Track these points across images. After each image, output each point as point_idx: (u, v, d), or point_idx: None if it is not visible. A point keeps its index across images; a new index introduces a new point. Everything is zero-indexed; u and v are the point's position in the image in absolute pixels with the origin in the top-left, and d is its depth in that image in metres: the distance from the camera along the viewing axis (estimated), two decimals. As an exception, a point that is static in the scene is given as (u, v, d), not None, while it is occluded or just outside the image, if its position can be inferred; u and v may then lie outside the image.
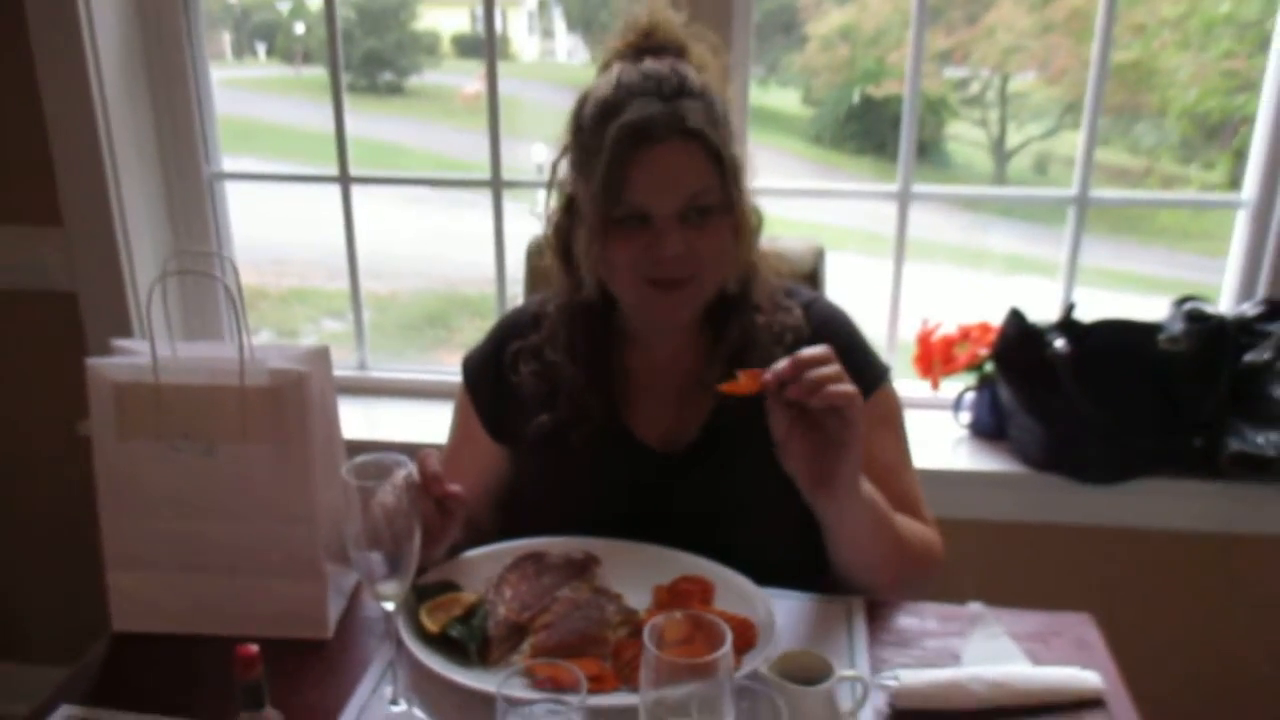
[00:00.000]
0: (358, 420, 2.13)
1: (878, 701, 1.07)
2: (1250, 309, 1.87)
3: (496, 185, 2.11)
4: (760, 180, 1.32)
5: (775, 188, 2.03)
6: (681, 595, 1.17)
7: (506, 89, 2.06)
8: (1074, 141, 1.99)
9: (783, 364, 1.09)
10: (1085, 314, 1.86)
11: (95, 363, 1.15)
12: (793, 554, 1.27)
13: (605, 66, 1.27)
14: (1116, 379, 1.78)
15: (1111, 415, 1.78)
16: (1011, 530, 1.97)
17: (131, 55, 2.04)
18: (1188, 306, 1.86)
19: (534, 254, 1.65)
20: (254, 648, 0.90)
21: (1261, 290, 1.94)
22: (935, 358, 2.00)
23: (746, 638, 1.09)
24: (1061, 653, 1.15)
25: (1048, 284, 2.12)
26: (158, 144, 2.12)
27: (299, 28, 4.52)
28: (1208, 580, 1.97)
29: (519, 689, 0.93)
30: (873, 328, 1.39)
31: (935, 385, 2.02)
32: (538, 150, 2.98)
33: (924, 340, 2.01)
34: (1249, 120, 1.99)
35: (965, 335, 1.98)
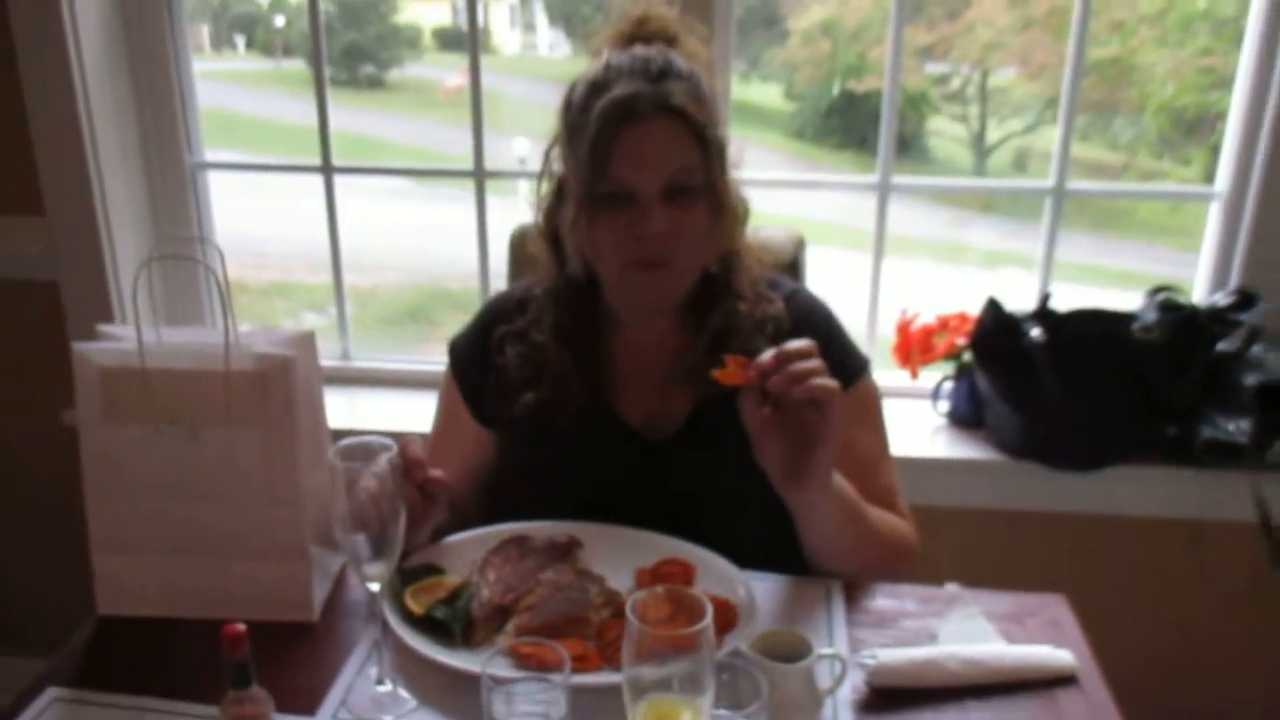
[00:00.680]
0: (341, 409, 2.13)
1: (856, 679, 1.09)
2: (1222, 299, 1.91)
3: (479, 176, 2.12)
4: (741, 172, 1.34)
5: (756, 178, 2.05)
6: (664, 578, 1.18)
7: (488, 83, 2.07)
8: (1052, 137, 2.02)
9: (766, 356, 1.10)
10: (1063, 306, 1.89)
11: (81, 347, 1.16)
12: (774, 538, 1.28)
13: (597, 53, 1.28)
14: (1092, 367, 1.81)
15: (1087, 403, 1.81)
16: (988, 517, 2.00)
17: (113, 45, 2.04)
18: (1161, 296, 1.89)
19: (517, 243, 1.66)
20: (241, 626, 0.91)
21: (1234, 280, 1.98)
22: (914, 347, 2.02)
23: (728, 618, 1.11)
24: (1035, 632, 1.18)
25: (1027, 278, 2.14)
26: (140, 134, 2.11)
27: (279, 20, 4.50)
28: (1179, 565, 2.00)
29: (503, 668, 0.95)
30: (852, 320, 1.41)
31: (914, 374, 2.05)
32: (519, 144, 2.99)
33: (903, 330, 2.04)
34: (1225, 116, 2.02)
35: (944, 325, 2.01)
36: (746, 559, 1.22)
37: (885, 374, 2.01)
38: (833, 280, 1.73)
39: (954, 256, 4.58)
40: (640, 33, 1.28)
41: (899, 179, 2.05)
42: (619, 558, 1.22)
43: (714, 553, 1.22)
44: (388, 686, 1.06)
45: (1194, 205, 2.26)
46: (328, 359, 2.26)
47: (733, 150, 1.30)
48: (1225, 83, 2.04)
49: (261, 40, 4.64)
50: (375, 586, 1.05)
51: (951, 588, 1.24)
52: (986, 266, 4.47)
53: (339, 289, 2.24)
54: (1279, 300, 1.88)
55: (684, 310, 1.33)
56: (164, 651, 1.16)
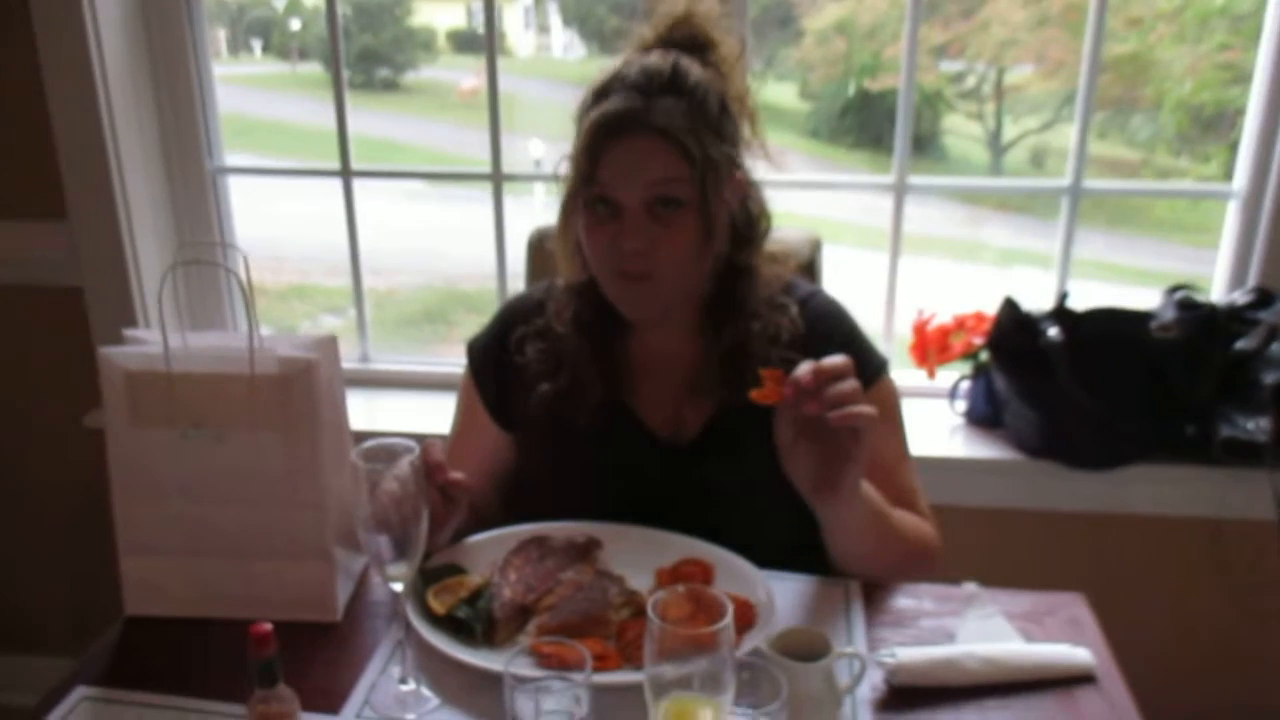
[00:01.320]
0: (361, 411, 2.15)
1: (875, 678, 1.09)
2: (1241, 297, 1.90)
3: (497, 179, 2.13)
4: (765, 171, 1.34)
5: (772, 179, 2.05)
6: (683, 577, 1.19)
7: (503, 85, 2.08)
8: (1069, 134, 2.02)
9: (804, 372, 1.09)
10: (1081, 304, 1.89)
11: (107, 352, 1.17)
12: (792, 539, 1.28)
13: (629, 50, 1.29)
14: (1109, 366, 1.81)
15: (1104, 402, 1.81)
16: (1006, 516, 1.99)
17: (135, 51, 2.06)
18: (1179, 295, 1.88)
19: (535, 245, 1.67)
20: (268, 625, 0.92)
21: (1252, 279, 1.97)
22: (931, 347, 2.02)
23: (746, 618, 1.12)
24: (1054, 631, 1.18)
25: (1043, 276, 2.14)
26: (161, 139, 2.14)
27: (294, 24, 4.52)
28: (1198, 564, 1.99)
29: (526, 667, 0.96)
30: (869, 320, 1.41)
31: (931, 374, 2.05)
32: (534, 146, 2.99)
33: (920, 329, 2.04)
34: (1244, 113, 2.01)
35: (960, 324, 2.01)
36: (765, 559, 1.22)
37: (902, 374, 2.02)
38: (849, 280, 1.73)
39: (969, 255, 4.56)
40: (676, 35, 1.28)
41: (915, 179, 2.05)
42: (638, 558, 1.23)
43: (733, 553, 1.23)
44: (411, 685, 1.08)
45: (1211, 203, 2.25)
46: (347, 361, 2.28)
47: (763, 164, 1.31)
48: (1244, 79, 2.03)
49: (277, 44, 4.67)
50: (398, 586, 1.06)
51: (969, 587, 1.24)
52: (1002, 265, 4.46)
53: (358, 292, 2.26)
54: (1298, 298, 1.88)
55: (699, 320, 1.34)
56: (191, 651, 1.17)
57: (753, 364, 1.27)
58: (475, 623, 1.13)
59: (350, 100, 2.13)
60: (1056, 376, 1.81)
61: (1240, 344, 1.82)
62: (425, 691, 1.07)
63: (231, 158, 2.23)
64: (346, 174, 2.16)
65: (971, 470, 1.95)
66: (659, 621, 0.85)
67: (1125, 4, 2.30)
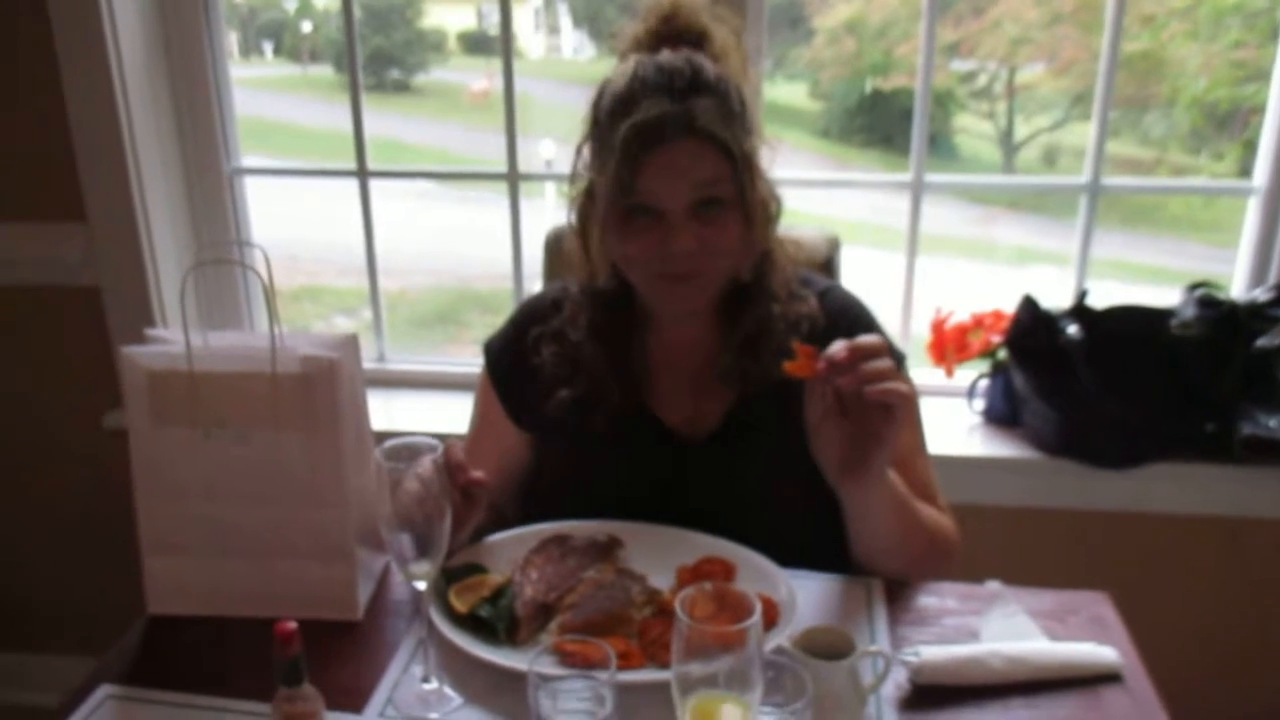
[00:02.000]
0: (378, 411, 2.13)
1: (899, 676, 1.09)
2: (1262, 295, 1.89)
3: (513, 178, 2.13)
4: (775, 171, 1.33)
5: (790, 178, 2.05)
6: (704, 576, 1.19)
7: (514, 86, 2.08)
8: (1082, 133, 2.01)
9: (839, 349, 1.09)
10: (1097, 302, 1.88)
11: (129, 351, 1.17)
12: (813, 537, 1.28)
13: (624, 55, 1.28)
14: (1129, 364, 1.80)
15: (1124, 400, 1.80)
16: (1026, 515, 1.99)
17: (152, 52, 2.07)
18: (1199, 292, 1.87)
19: (553, 244, 1.67)
20: (293, 624, 0.92)
21: (1273, 276, 1.96)
22: (949, 345, 2.01)
23: (769, 616, 1.11)
24: (1078, 630, 1.17)
25: (1056, 276, 2.13)
26: (178, 140, 2.14)
27: (306, 26, 4.54)
28: (1220, 563, 1.98)
29: (549, 666, 0.96)
30: (886, 319, 1.41)
31: (949, 373, 2.04)
32: (546, 146, 3.00)
33: (938, 328, 2.03)
34: (1258, 110, 2.00)
35: (979, 323, 2.00)
36: (786, 557, 1.22)
37: (920, 372, 2.01)
38: (864, 279, 1.72)
39: (982, 254, 4.55)
40: (668, 30, 1.27)
41: (933, 177, 2.04)
42: (659, 556, 1.22)
43: (754, 551, 1.22)
44: (433, 684, 1.08)
45: (1227, 200, 2.24)
46: (364, 361, 2.28)
47: (766, 149, 1.29)
48: (1259, 76, 2.02)
49: (289, 46, 4.69)
50: (421, 585, 1.06)
51: (993, 585, 1.24)
52: (1015, 264, 4.44)
53: (374, 292, 2.26)
54: (1319, 296, 1.87)
55: (718, 311, 1.34)
56: (214, 649, 1.18)
57: (773, 348, 1.27)
58: (497, 621, 1.12)
59: (363, 101, 2.13)
60: (1076, 374, 1.80)
61: (1261, 341, 1.81)
62: (448, 691, 1.07)
63: (247, 159, 2.24)
64: (363, 174, 2.17)
65: (990, 469, 1.94)
66: (687, 619, 0.85)
67: (1138, 2, 2.29)
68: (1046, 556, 1.96)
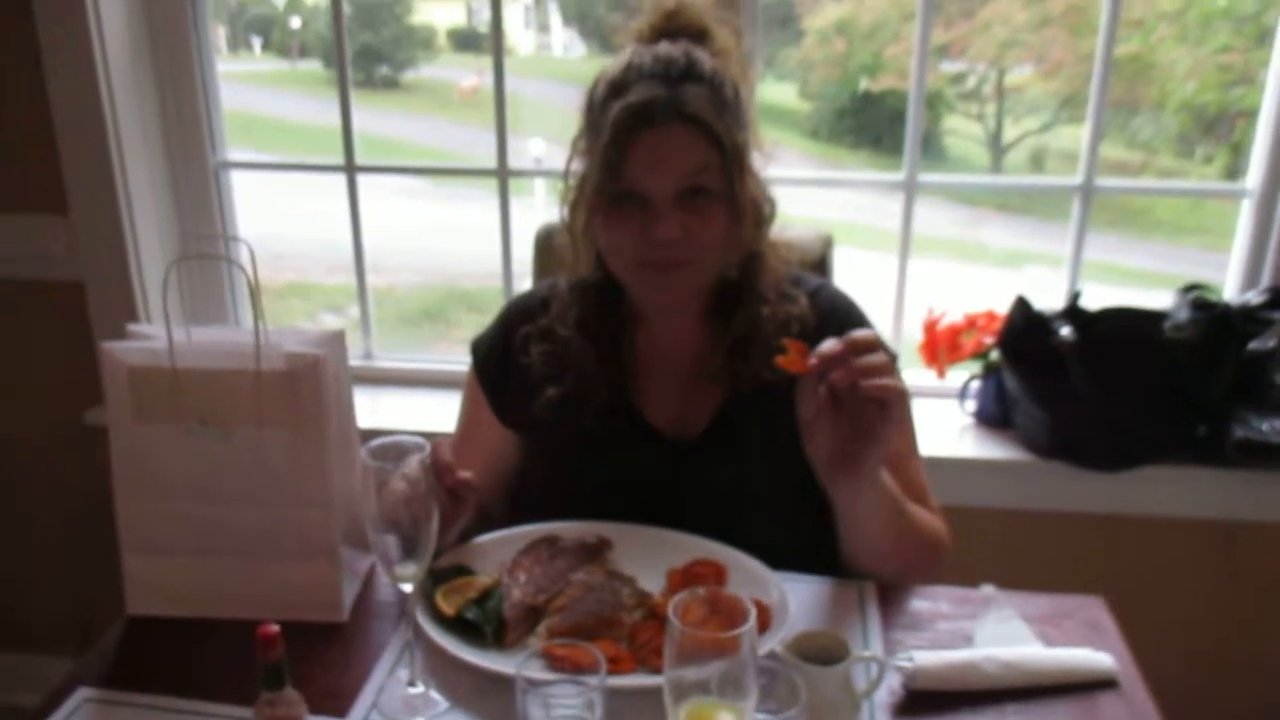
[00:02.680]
0: (365, 408, 2.11)
1: (892, 682, 1.07)
2: (1255, 297, 1.89)
3: (503, 175, 2.11)
4: (768, 171, 1.32)
5: (782, 177, 2.04)
6: (695, 579, 1.17)
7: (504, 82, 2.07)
8: (1070, 135, 2.01)
9: (832, 345, 1.08)
10: (1088, 305, 1.87)
11: (110, 347, 1.15)
12: (802, 541, 1.27)
13: (623, 48, 1.27)
14: (1122, 367, 1.79)
15: (1117, 403, 1.79)
16: (1018, 518, 1.98)
17: (137, 44, 2.04)
18: (1193, 295, 1.87)
19: (542, 242, 1.65)
20: (275, 627, 0.90)
21: (1266, 279, 1.95)
22: (941, 346, 2.00)
23: (761, 620, 1.10)
24: (1073, 635, 1.16)
25: (1046, 277, 2.12)
26: (163, 132, 2.12)
27: (294, 22, 4.52)
28: (1212, 566, 1.98)
29: (538, 670, 0.94)
30: (878, 320, 1.40)
31: (941, 374, 2.03)
32: (535, 144, 2.98)
33: (930, 329, 2.02)
34: (1246, 114, 2.00)
35: (971, 324, 1.99)
36: (776, 559, 1.20)
37: (911, 373, 2.00)
38: (855, 279, 1.71)
39: (970, 256, 4.56)
40: (670, 26, 1.27)
41: (926, 177, 2.03)
42: (650, 558, 1.21)
43: (745, 553, 1.21)
44: (419, 688, 1.06)
45: (1215, 204, 2.24)
46: (350, 358, 2.25)
47: (760, 153, 1.29)
48: (1246, 80, 2.02)
49: (277, 41, 4.66)
50: (407, 587, 1.04)
51: (987, 589, 1.23)
52: (1004, 266, 4.45)
53: (362, 288, 2.24)
54: (1312, 299, 1.86)
55: (707, 310, 1.32)
56: (195, 652, 1.15)
57: (762, 350, 1.26)
58: (485, 624, 1.11)
59: (351, 98, 2.11)
60: (1069, 376, 1.79)
61: (1254, 344, 1.80)
62: (434, 694, 1.05)
63: (234, 154, 2.21)
64: (351, 169, 2.14)
65: (981, 471, 1.93)
66: (679, 625, 0.83)
67: (1128, 5, 2.30)
68: (1038, 559, 1.95)
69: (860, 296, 1.40)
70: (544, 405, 1.32)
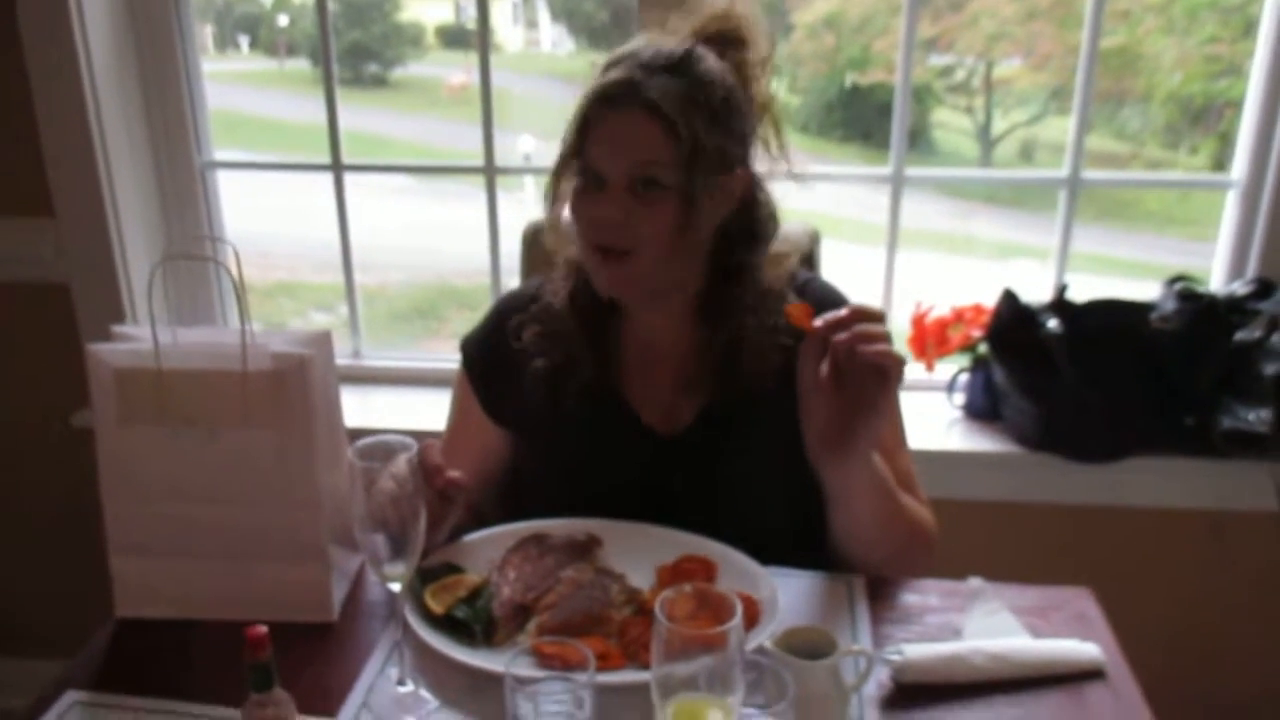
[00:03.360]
0: (354, 408, 2.11)
1: (881, 675, 1.08)
2: (1241, 288, 1.89)
3: (490, 172, 2.11)
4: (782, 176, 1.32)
5: (767, 173, 2.04)
6: (684, 574, 1.18)
7: (492, 80, 2.06)
8: (1059, 127, 2.01)
9: (838, 311, 1.09)
10: (1076, 297, 1.88)
11: (96, 348, 1.15)
12: (792, 534, 1.28)
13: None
14: (1110, 358, 1.80)
15: (1105, 394, 1.80)
16: (1007, 510, 1.98)
17: (122, 44, 2.03)
18: (1179, 286, 1.88)
19: (530, 239, 1.65)
20: (263, 629, 0.90)
21: (1252, 269, 1.96)
22: (929, 339, 2.01)
23: (750, 615, 1.10)
24: (1061, 626, 1.17)
25: (1034, 269, 2.13)
26: (149, 133, 2.11)
27: (282, 20, 4.50)
28: (1199, 556, 1.99)
29: (527, 668, 0.94)
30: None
31: (929, 367, 2.03)
32: (524, 141, 2.98)
33: (918, 322, 2.02)
34: (1233, 104, 2.00)
35: (959, 317, 1.99)
36: (765, 554, 1.20)
37: (900, 367, 2.00)
38: (843, 273, 1.71)
39: (959, 248, 4.56)
40: (708, 29, 1.27)
41: (913, 171, 2.04)
42: (639, 555, 1.21)
43: (734, 549, 1.21)
44: (409, 687, 1.06)
45: (1203, 195, 2.24)
46: (339, 358, 2.24)
47: (791, 165, 1.30)
48: (1233, 71, 2.03)
49: (265, 40, 4.64)
50: (396, 587, 1.04)
51: (975, 582, 1.23)
52: (993, 258, 4.46)
53: (350, 287, 2.23)
54: (1298, 289, 1.87)
55: (693, 313, 1.32)
56: (184, 653, 1.15)
57: (749, 359, 1.26)
58: (474, 622, 1.11)
59: (339, 96, 2.11)
60: (1056, 368, 1.80)
61: (1241, 335, 1.81)
62: (424, 693, 1.05)
63: (220, 154, 2.21)
64: (338, 168, 2.14)
65: (970, 464, 1.94)
66: (666, 622, 0.84)
67: (1114, -3, 2.31)
68: (1027, 551, 1.96)
69: (849, 290, 1.40)
70: (533, 381, 1.32)
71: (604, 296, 1.30)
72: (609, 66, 1.22)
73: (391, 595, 1.05)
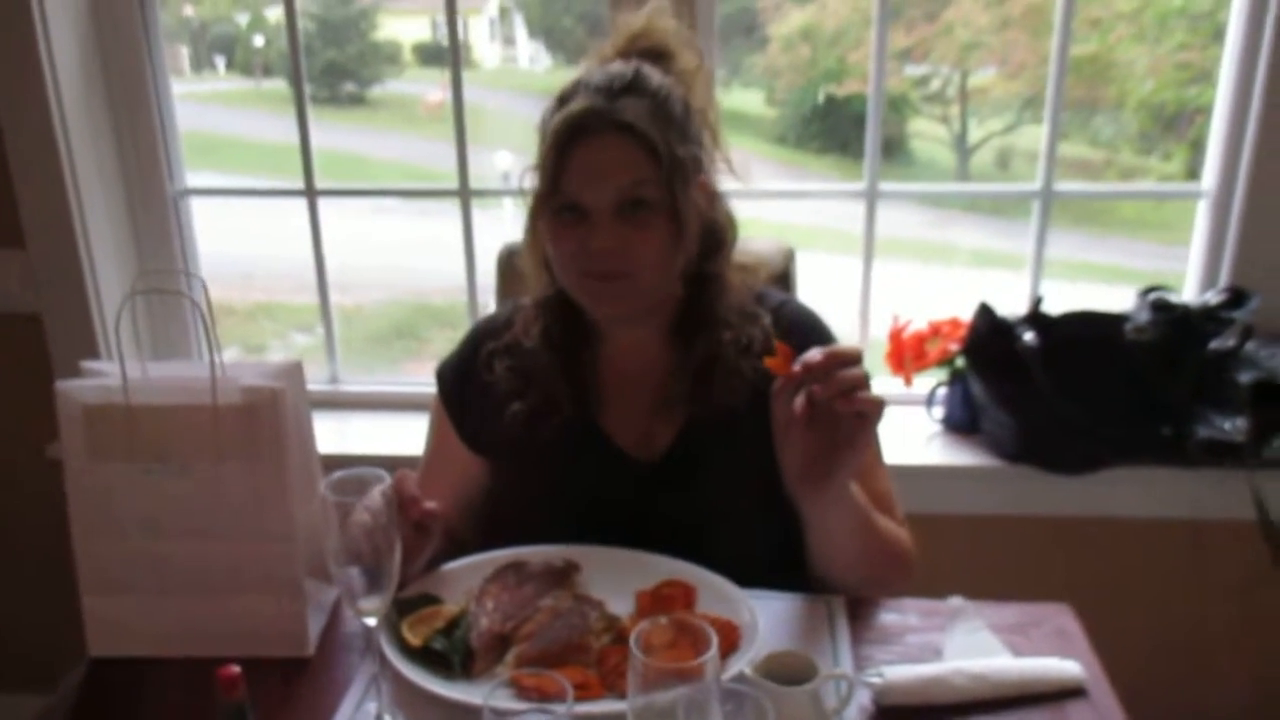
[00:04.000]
0: (331, 435, 2.11)
1: (863, 699, 1.07)
2: (1213, 297, 1.90)
3: (464, 194, 2.10)
4: (729, 182, 1.33)
5: (742, 190, 2.04)
6: (664, 600, 1.17)
7: (469, 97, 2.06)
8: (1034, 136, 2.02)
9: (815, 355, 1.08)
10: (1052, 306, 1.89)
11: (64, 386, 1.13)
12: (770, 558, 1.27)
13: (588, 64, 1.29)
14: (1086, 370, 1.80)
15: (1082, 406, 1.80)
16: (986, 523, 1.99)
17: (90, 73, 2.02)
18: (1153, 296, 1.88)
19: (505, 261, 1.65)
20: (236, 668, 0.90)
21: (1224, 278, 1.97)
22: (907, 354, 2.01)
23: (730, 640, 1.09)
24: (1041, 643, 1.16)
25: (1012, 278, 2.14)
26: (119, 162, 2.09)
27: (258, 40, 4.48)
28: (1178, 565, 1.99)
29: (505, 700, 0.93)
30: (843, 327, 1.40)
31: (908, 381, 2.04)
32: (502, 157, 2.97)
33: (895, 337, 2.03)
34: (1204, 111, 2.02)
35: (936, 331, 2.00)
36: (744, 577, 1.20)
37: (877, 382, 1.99)
38: (820, 286, 1.72)
39: (938, 257, 4.58)
40: (634, 47, 1.28)
41: (886, 185, 2.04)
42: (618, 580, 1.20)
43: (714, 573, 1.20)
44: (387, 722, 1.05)
45: (1178, 200, 2.26)
46: (316, 383, 2.24)
47: (734, 168, 1.31)
48: (1204, 77, 2.04)
49: (241, 60, 4.63)
50: (372, 620, 1.03)
51: (955, 601, 1.23)
52: (972, 266, 4.47)
53: (326, 312, 2.22)
54: (1271, 297, 1.88)
55: (668, 332, 1.32)
56: (159, 692, 1.14)
57: (725, 375, 1.26)
58: (452, 654, 1.10)
59: (316, 115, 2.10)
60: (1033, 381, 1.81)
61: (1215, 344, 1.82)
62: (402, 728, 1.04)
63: (196, 177, 2.19)
64: (311, 193, 2.13)
65: (949, 477, 1.94)
66: (641, 656, 0.83)
67: (1085, 5, 2.32)
68: (1007, 564, 1.97)
69: (826, 303, 1.41)
70: (510, 421, 1.32)
71: (597, 319, 1.30)
72: (563, 100, 1.22)
73: (368, 628, 1.04)
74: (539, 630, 1.12)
